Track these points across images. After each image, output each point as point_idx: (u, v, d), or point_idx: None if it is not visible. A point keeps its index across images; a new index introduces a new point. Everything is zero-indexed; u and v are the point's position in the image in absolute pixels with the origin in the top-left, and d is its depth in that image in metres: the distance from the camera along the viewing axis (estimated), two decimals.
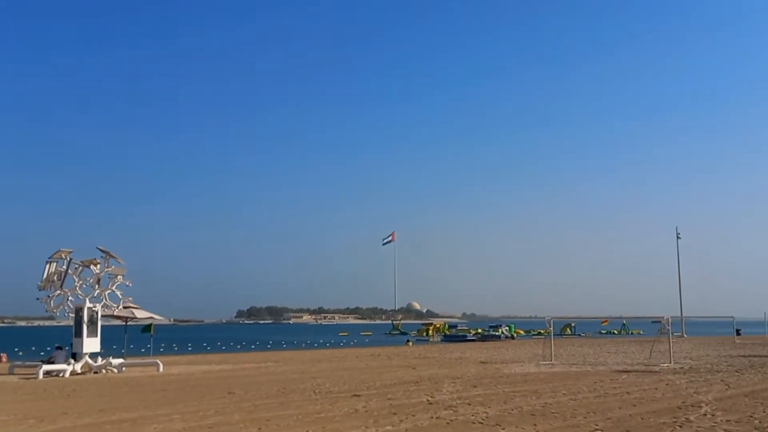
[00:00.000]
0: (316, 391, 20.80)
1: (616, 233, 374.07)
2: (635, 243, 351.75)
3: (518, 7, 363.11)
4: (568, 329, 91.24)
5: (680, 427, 13.03)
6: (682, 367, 28.48)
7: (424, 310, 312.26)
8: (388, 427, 13.36)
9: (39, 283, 30.90)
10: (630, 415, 14.61)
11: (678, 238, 75.38)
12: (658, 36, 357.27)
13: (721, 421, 13.71)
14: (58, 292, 30.68)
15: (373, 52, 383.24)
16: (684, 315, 73.35)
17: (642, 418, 14.17)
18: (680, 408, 15.72)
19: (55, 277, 30.73)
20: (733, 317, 68.55)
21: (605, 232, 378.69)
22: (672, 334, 35.03)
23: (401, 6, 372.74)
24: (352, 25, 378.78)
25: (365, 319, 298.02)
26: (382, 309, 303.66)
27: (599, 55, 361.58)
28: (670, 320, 35.55)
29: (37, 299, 31.13)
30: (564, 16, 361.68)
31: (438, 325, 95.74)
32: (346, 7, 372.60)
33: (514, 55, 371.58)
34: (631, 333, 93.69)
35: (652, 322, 50.31)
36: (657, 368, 28.19)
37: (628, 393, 19.01)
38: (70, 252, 31.25)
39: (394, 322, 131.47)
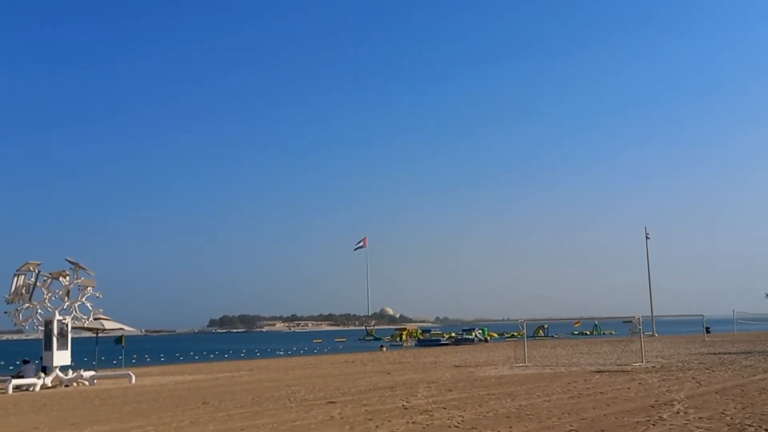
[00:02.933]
0: (291, 399, 20.70)
1: (586, 235, 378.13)
2: (605, 244, 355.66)
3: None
4: (540, 331, 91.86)
5: (654, 425, 13.17)
6: (654, 366, 28.82)
7: (398, 315, 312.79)
8: None
9: (7, 296, 30.47)
10: (604, 415, 14.74)
11: (647, 238, 76.32)
12: (624, 36, 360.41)
13: (694, 418, 13.88)
14: (27, 305, 30.24)
15: (342, 61, 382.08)
16: (654, 314, 74.17)
17: (616, 418, 14.30)
18: (653, 406, 15.89)
19: (23, 290, 30.32)
20: (702, 315, 69.51)
21: (576, 234, 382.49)
22: (643, 333, 35.42)
23: (358, 14, 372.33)
24: (314, 34, 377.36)
25: (338, 325, 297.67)
26: (355, 315, 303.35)
27: (567, 56, 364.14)
28: (641, 320, 35.94)
29: (5, 313, 30.71)
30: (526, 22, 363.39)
31: (411, 330, 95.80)
32: (300, 17, 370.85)
33: (477, 59, 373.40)
34: (603, 333, 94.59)
35: (624, 322, 50.88)
36: (629, 368, 28.48)
37: (601, 393, 19.18)
38: (38, 264, 30.84)
39: (367, 328, 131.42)
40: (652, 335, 68.26)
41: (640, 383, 21.60)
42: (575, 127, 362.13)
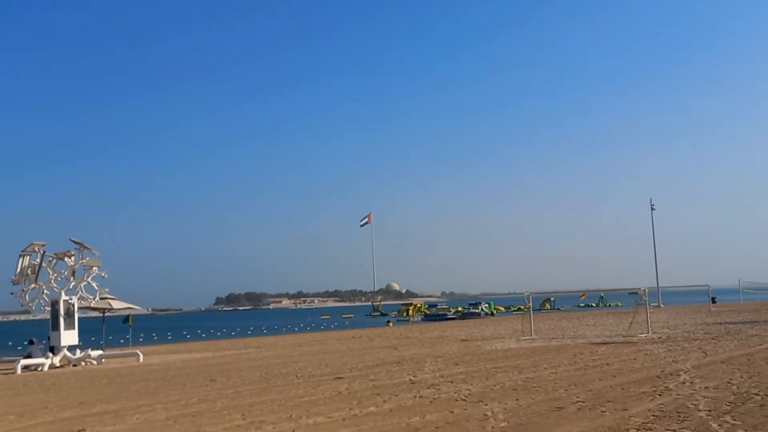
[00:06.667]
0: (299, 375, 20.82)
1: (591, 207, 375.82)
2: (610, 216, 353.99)
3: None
4: (547, 304, 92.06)
5: (660, 395, 13.22)
6: (659, 337, 28.89)
7: (404, 291, 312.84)
8: (372, 408, 13.40)
9: (13, 277, 30.55)
10: (610, 386, 14.80)
11: (652, 209, 76.12)
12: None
13: (700, 388, 13.92)
14: (33, 285, 30.34)
15: (349, 41, 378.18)
16: (660, 285, 74.20)
17: (622, 389, 14.35)
18: (659, 377, 15.95)
19: (29, 271, 30.39)
20: (708, 285, 69.53)
21: (581, 207, 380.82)
22: (649, 304, 35.51)
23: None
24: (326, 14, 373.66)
25: (345, 301, 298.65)
26: (361, 291, 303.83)
27: (575, 27, 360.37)
28: (647, 291, 36.01)
29: (12, 294, 30.81)
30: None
31: (418, 305, 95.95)
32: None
33: (480, 35, 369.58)
34: (609, 305, 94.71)
35: (630, 293, 51.01)
36: (635, 339, 28.57)
37: (607, 364, 19.25)
38: (44, 245, 30.88)
39: (374, 303, 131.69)
40: (658, 306, 68.38)
41: (646, 354, 21.67)
42: (581, 104, 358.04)
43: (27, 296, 30.45)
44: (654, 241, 76.03)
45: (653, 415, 11.19)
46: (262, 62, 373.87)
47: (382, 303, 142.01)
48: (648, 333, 31.05)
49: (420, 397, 14.65)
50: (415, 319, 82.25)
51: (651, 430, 10.12)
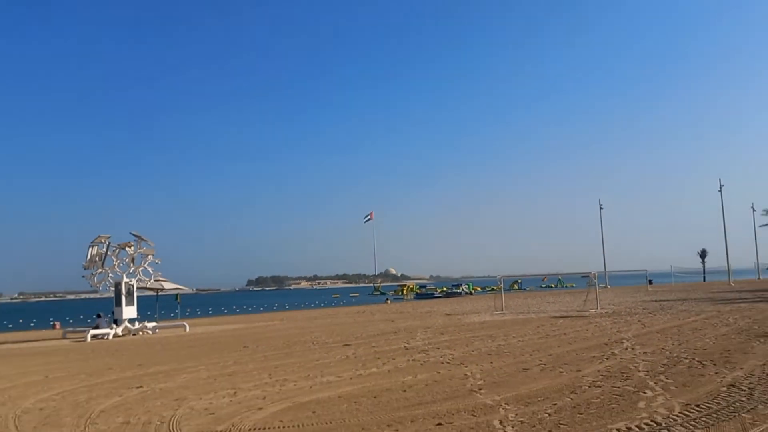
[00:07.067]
0: (315, 342, 20.82)
1: (548, 204, 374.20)
2: (565, 213, 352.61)
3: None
4: (515, 285, 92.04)
5: (607, 359, 13.21)
6: (606, 312, 28.85)
7: (399, 274, 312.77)
8: (374, 369, 13.40)
9: (84, 263, 30.63)
10: (567, 352, 14.79)
11: (600, 208, 76.09)
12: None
13: (640, 353, 13.91)
14: (100, 270, 30.40)
15: (367, 48, 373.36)
16: (607, 270, 74.19)
17: (576, 354, 14.34)
18: (606, 344, 15.94)
19: (97, 258, 30.46)
20: (646, 270, 69.48)
21: (542, 204, 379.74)
22: (598, 285, 35.45)
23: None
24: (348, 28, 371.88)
25: (351, 283, 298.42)
26: (365, 274, 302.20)
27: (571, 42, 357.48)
28: (596, 275, 35.97)
29: (83, 277, 30.95)
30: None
31: (410, 286, 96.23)
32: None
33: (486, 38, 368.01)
34: (566, 286, 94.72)
35: (582, 276, 50.94)
36: (587, 313, 28.53)
37: (564, 334, 19.23)
38: (108, 237, 30.94)
39: (375, 285, 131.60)
40: (605, 287, 68.30)
41: (595, 326, 21.65)
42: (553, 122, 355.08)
43: (95, 279, 30.50)
44: (602, 233, 76.09)
45: (602, 375, 11.18)
46: (290, 65, 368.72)
47: (382, 284, 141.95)
48: (597, 309, 31.03)
49: (413, 360, 14.64)
50: (409, 297, 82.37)
51: (600, 386, 10.10)
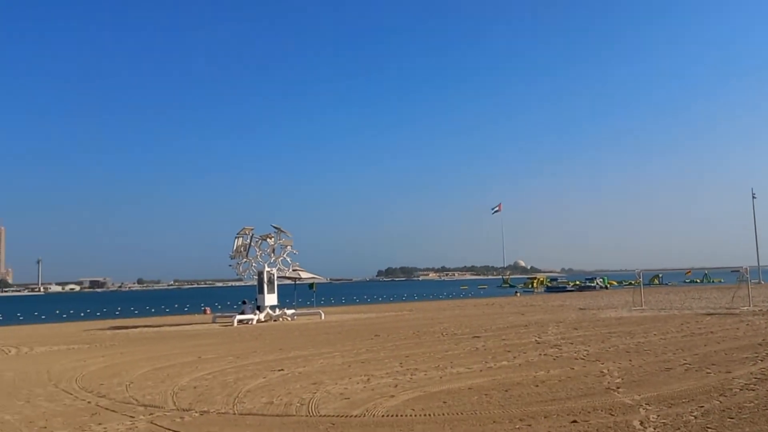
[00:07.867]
0: (444, 333, 20.90)
1: (696, 194, 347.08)
2: (714, 203, 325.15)
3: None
4: (655, 279, 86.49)
5: (761, 360, 12.07)
6: (760, 310, 26.31)
7: (529, 267, 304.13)
8: (504, 363, 13.22)
9: (230, 254, 32.75)
10: (714, 351, 13.69)
11: (753, 197, 69.34)
12: None
13: None
14: (245, 259, 32.37)
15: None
16: (761, 264, 67.53)
17: (725, 354, 13.24)
18: (760, 344, 14.56)
19: (242, 249, 32.43)
20: None
21: (688, 194, 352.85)
22: (750, 281, 32.41)
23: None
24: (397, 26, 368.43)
25: (480, 275, 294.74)
26: (493, 266, 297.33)
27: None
28: (748, 269, 32.92)
29: (230, 266, 33.11)
30: None
31: (541, 279, 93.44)
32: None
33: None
34: (713, 282, 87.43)
35: (732, 271, 46.81)
36: (737, 311, 26.21)
37: (712, 332, 17.82)
38: (252, 229, 32.85)
39: (504, 277, 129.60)
40: (759, 283, 62.21)
41: (747, 324, 19.84)
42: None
43: (241, 268, 32.57)
44: (755, 224, 69.28)
45: (755, 378, 10.24)
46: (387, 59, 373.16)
47: (511, 276, 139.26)
48: (749, 306, 28.38)
49: (544, 355, 14.27)
50: (539, 290, 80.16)
51: (753, 389, 9.26)
